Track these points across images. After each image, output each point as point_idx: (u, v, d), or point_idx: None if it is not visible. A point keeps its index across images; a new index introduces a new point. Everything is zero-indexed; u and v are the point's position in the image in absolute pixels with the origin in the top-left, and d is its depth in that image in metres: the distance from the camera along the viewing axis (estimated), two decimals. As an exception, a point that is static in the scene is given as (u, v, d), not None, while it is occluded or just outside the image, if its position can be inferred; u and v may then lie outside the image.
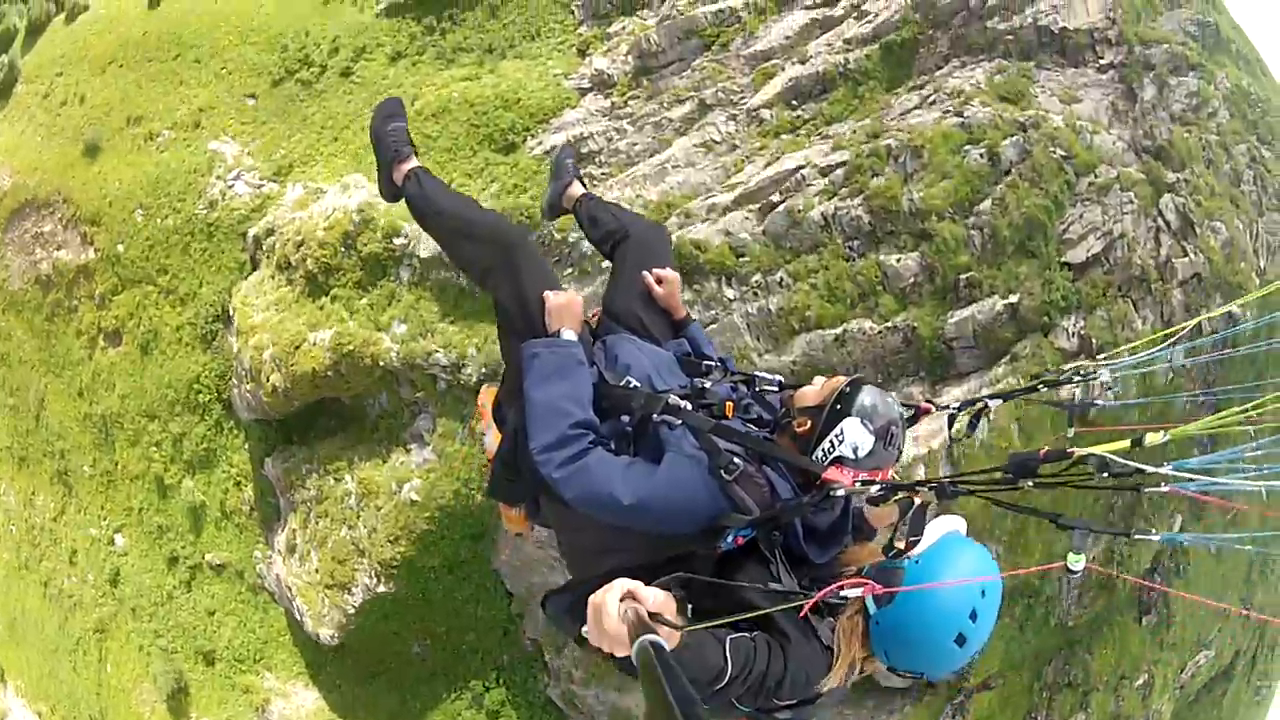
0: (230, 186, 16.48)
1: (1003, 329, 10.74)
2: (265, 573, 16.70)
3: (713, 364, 3.22)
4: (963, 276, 10.65)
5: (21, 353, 19.33)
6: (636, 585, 1.91)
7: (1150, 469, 2.18)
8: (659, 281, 3.47)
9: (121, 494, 18.23)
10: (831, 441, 2.66)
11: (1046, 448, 2.30)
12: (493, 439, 3.28)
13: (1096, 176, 11.22)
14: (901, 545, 2.26)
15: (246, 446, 16.60)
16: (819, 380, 2.93)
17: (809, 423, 2.74)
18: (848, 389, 2.72)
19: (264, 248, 15.18)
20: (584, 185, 4.25)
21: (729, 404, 2.93)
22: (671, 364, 3.17)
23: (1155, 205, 11.70)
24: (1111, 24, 12.37)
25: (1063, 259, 10.88)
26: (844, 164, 11.05)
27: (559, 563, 11.62)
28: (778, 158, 11.60)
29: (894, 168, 10.95)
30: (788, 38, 12.50)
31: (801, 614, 2.34)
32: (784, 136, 11.95)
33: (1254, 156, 14.22)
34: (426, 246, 12.57)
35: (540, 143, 14.96)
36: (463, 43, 17.00)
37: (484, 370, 12.10)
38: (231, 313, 15.64)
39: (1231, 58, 15.28)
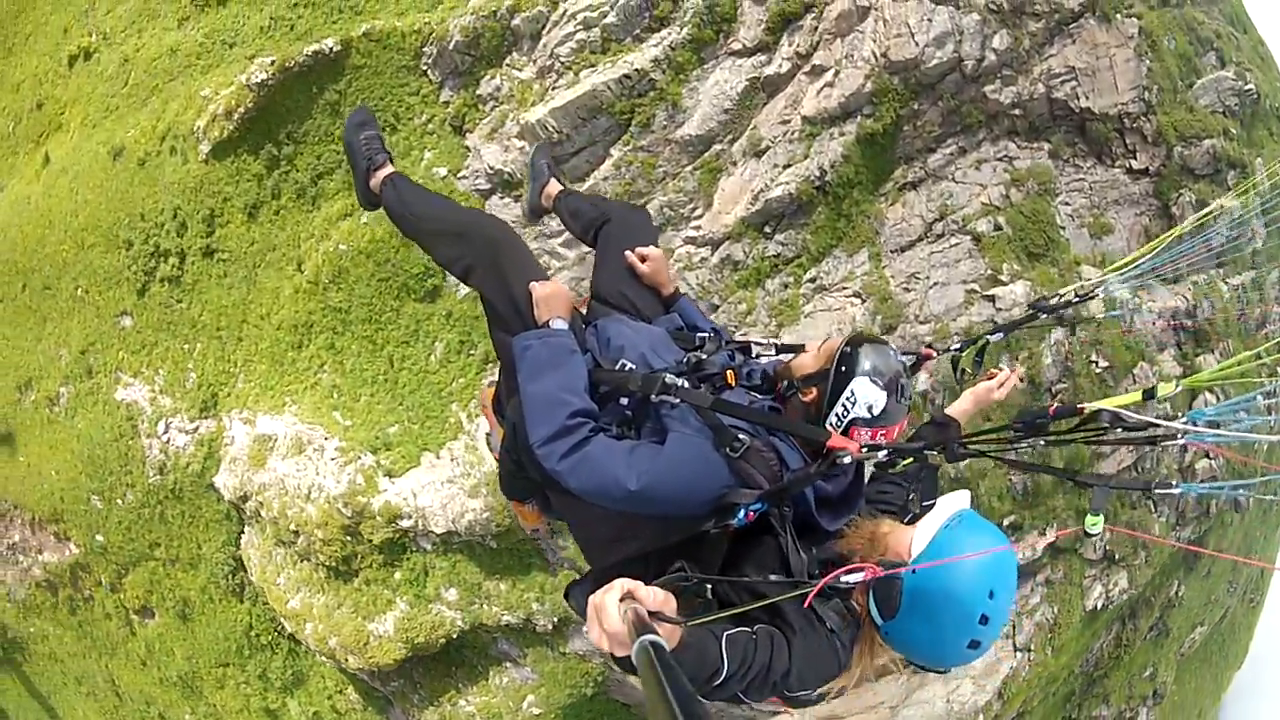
0: (166, 443, 14.13)
1: (1037, 563, 10.26)
2: (413, 746, 16.26)
3: (706, 335, 3.08)
4: (1005, 520, 9.54)
5: (65, 647, 17.97)
6: (636, 585, 1.82)
7: (1164, 422, 2.12)
8: (643, 259, 3.32)
9: (238, 728, 17.52)
10: (844, 405, 2.55)
11: (1056, 404, 2.37)
12: (498, 438, 3.16)
13: (1134, 380, 9.80)
14: (916, 510, 2.34)
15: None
16: (812, 345, 2.82)
17: (814, 391, 2.63)
18: (847, 349, 2.61)
19: (246, 511, 13.15)
20: (561, 182, 4.07)
21: (730, 372, 2.82)
22: (665, 340, 3.03)
23: (1188, 410, 10.50)
24: (1146, 110, 9.82)
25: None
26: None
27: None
28: (776, 335, 9.02)
29: (931, 410, 9.12)
30: (726, 111, 9.20)
31: (805, 603, 2.24)
32: (769, 287, 9.29)
33: (1280, 290, 12.74)
34: (438, 522, 10.48)
35: (468, 273, 12.24)
36: (317, 165, 13.63)
37: (555, 618, 10.45)
38: (248, 567, 13.97)
39: (1266, 121, 12.64)
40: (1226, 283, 11.17)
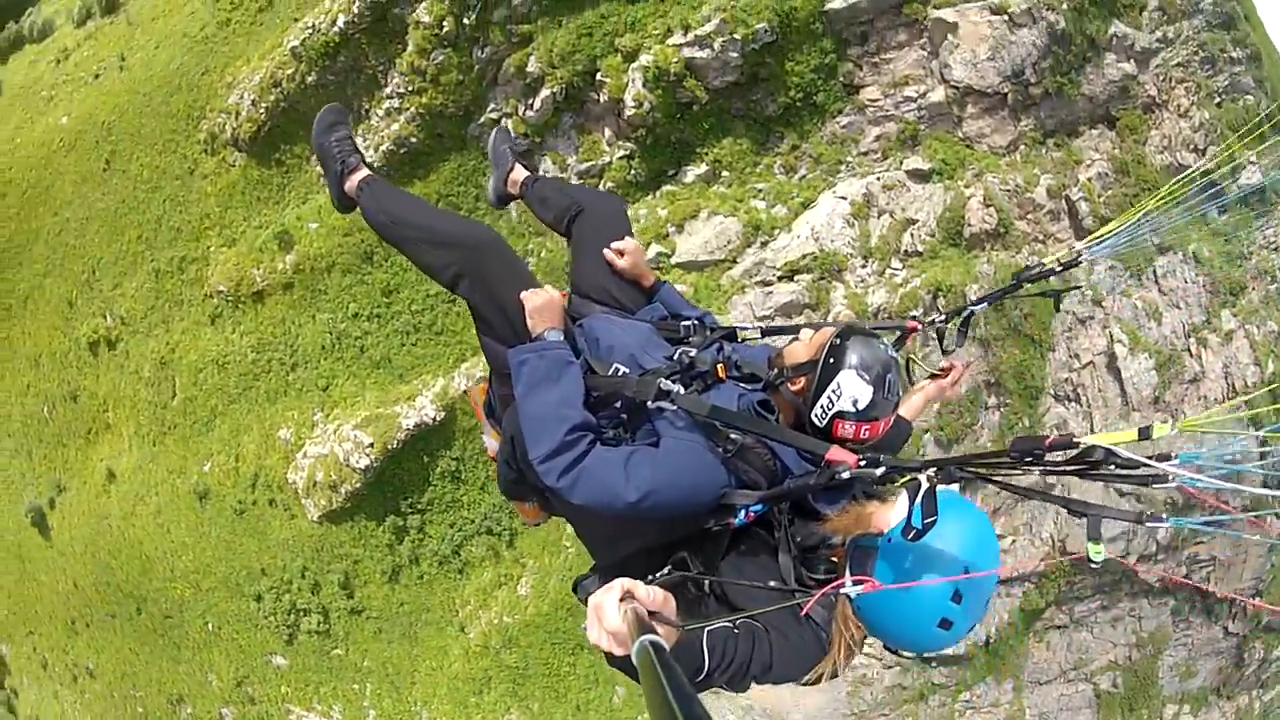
0: (366, 773, 14.15)
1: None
2: None
3: (690, 324, 3.07)
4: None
5: None
6: (635, 585, 1.83)
7: (1157, 464, 2.08)
8: (621, 254, 3.25)
9: None
10: (830, 397, 2.55)
11: (1053, 436, 2.21)
12: (491, 439, 3.18)
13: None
14: (920, 526, 2.08)
15: None
16: (806, 333, 2.79)
17: (803, 380, 2.64)
18: (837, 340, 2.60)
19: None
20: (526, 168, 3.90)
21: (720, 366, 2.79)
22: (652, 336, 3.00)
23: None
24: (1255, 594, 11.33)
25: None
26: None
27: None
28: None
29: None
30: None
31: (803, 612, 2.24)
32: (930, 702, 10.76)
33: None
34: None
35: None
36: (454, 535, 12.47)
37: None
38: None
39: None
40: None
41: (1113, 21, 10.16)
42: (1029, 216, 9.87)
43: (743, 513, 2.42)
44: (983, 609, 2.15)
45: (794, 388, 2.64)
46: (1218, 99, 10.86)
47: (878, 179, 9.84)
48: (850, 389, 2.51)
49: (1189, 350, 10.52)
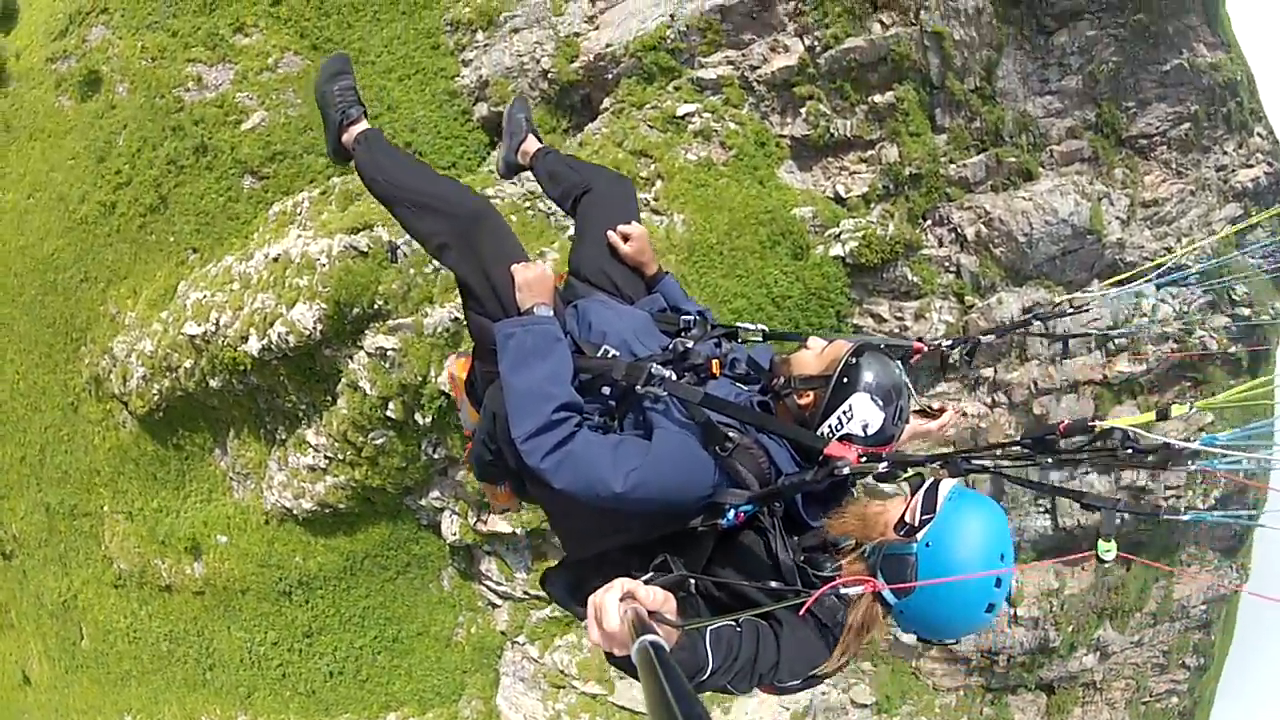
0: None
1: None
2: None
3: (691, 318, 2.96)
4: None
5: None
6: (636, 585, 1.80)
7: (1177, 443, 2.01)
8: (625, 238, 3.14)
9: None
10: (839, 418, 2.45)
11: (1066, 421, 2.12)
12: (468, 416, 3.07)
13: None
14: (915, 523, 2.13)
15: None
16: (816, 343, 2.70)
17: (812, 395, 2.52)
18: (853, 359, 2.49)
19: None
20: (539, 140, 3.82)
21: (715, 362, 2.72)
22: (648, 324, 2.90)
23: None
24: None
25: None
26: None
27: None
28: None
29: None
30: None
31: (801, 612, 2.15)
32: None
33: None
34: None
35: None
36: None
37: None
38: None
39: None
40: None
41: (1103, 625, 10.24)
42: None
43: (731, 513, 2.31)
44: (1010, 587, 2.18)
45: (801, 400, 2.53)
46: (1144, 702, 11.14)
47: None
48: (862, 413, 2.41)
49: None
